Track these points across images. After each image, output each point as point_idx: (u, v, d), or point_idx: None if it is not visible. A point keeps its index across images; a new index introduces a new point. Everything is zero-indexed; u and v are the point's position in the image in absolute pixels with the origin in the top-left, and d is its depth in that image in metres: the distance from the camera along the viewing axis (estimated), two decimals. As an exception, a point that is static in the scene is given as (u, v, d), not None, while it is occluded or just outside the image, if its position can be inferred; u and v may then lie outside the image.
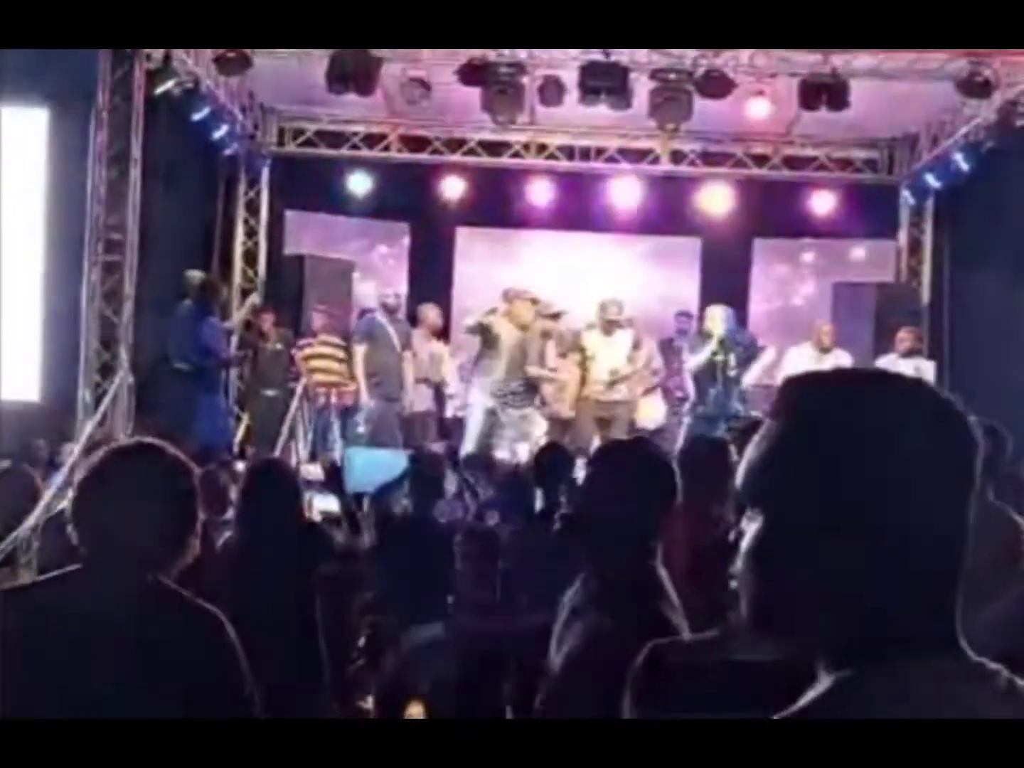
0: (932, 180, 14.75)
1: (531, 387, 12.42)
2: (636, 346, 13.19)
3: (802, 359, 13.46)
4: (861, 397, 1.52)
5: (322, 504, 9.90)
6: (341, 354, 13.69)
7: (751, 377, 12.60)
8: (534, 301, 12.52)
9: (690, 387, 12.83)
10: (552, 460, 7.38)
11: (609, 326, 13.07)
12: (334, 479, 7.15)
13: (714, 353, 12.52)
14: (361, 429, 13.08)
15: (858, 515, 1.46)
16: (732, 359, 12.47)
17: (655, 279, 16.20)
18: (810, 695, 1.50)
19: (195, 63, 12.26)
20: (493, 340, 12.29)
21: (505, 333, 12.25)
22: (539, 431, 12.34)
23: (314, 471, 11.46)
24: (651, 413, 13.20)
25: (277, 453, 12.05)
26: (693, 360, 12.90)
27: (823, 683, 1.49)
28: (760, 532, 1.52)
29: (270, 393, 13.56)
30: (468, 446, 11.77)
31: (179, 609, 2.89)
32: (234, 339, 13.23)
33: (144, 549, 2.90)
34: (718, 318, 12.78)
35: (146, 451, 3.12)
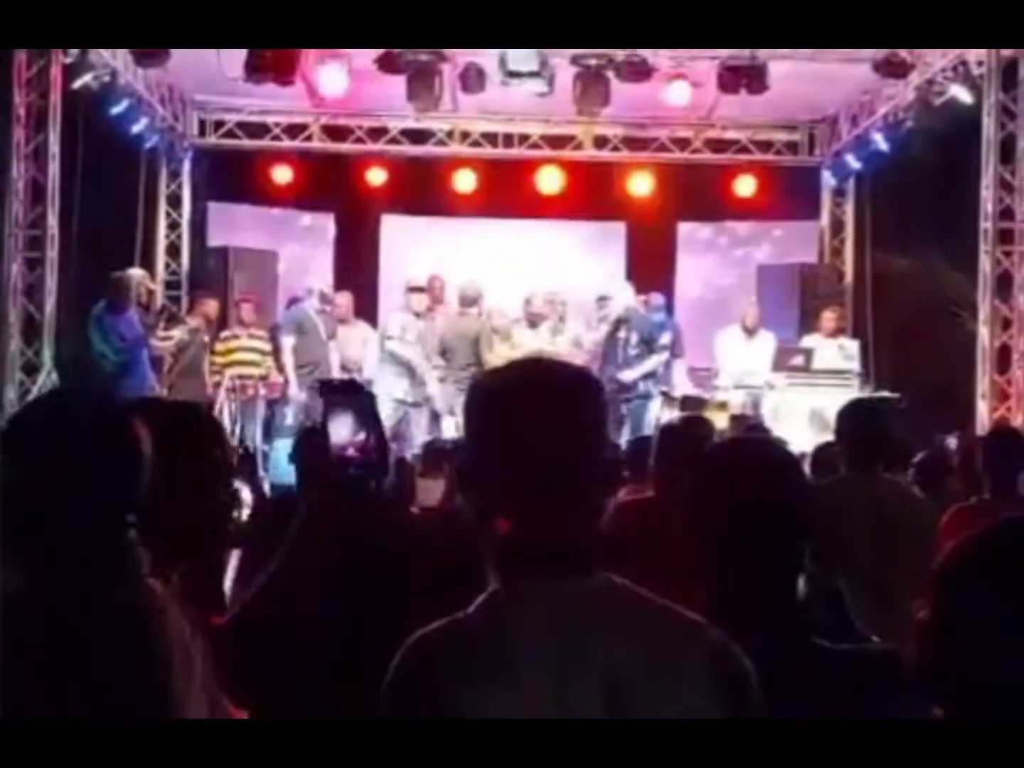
0: (852, 161, 14.92)
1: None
2: (555, 331, 13.27)
3: (731, 341, 13.62)
4: None
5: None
6: (267, 346, 13.61)
7: (628, 375, 12.54)
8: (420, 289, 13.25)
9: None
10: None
11: (534, 318, 13.15)
12: (246, 465, 7.07)
13: (613, 331, 12.59)
14: (290, 421, 13.03)
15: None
16: (633, 338, 12.50)
17: (581, 264, 16.22)
18: (472, 606, 1.87)
19: (112, 56, 12.11)
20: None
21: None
22: None
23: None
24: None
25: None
26: (591, 338, 13.01)
27: (481, 599, 1.87)
28: None
29: (195, 384, 13.47)
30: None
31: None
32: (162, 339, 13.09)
33: None
34: (618, 296, 12.86)
35: None
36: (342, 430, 2.69)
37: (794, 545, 2.46)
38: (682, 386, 13.04)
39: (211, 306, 13.89)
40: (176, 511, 2.43)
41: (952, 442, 10.01)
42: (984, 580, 1.71)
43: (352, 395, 2.79)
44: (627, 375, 12.39)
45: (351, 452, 2.66)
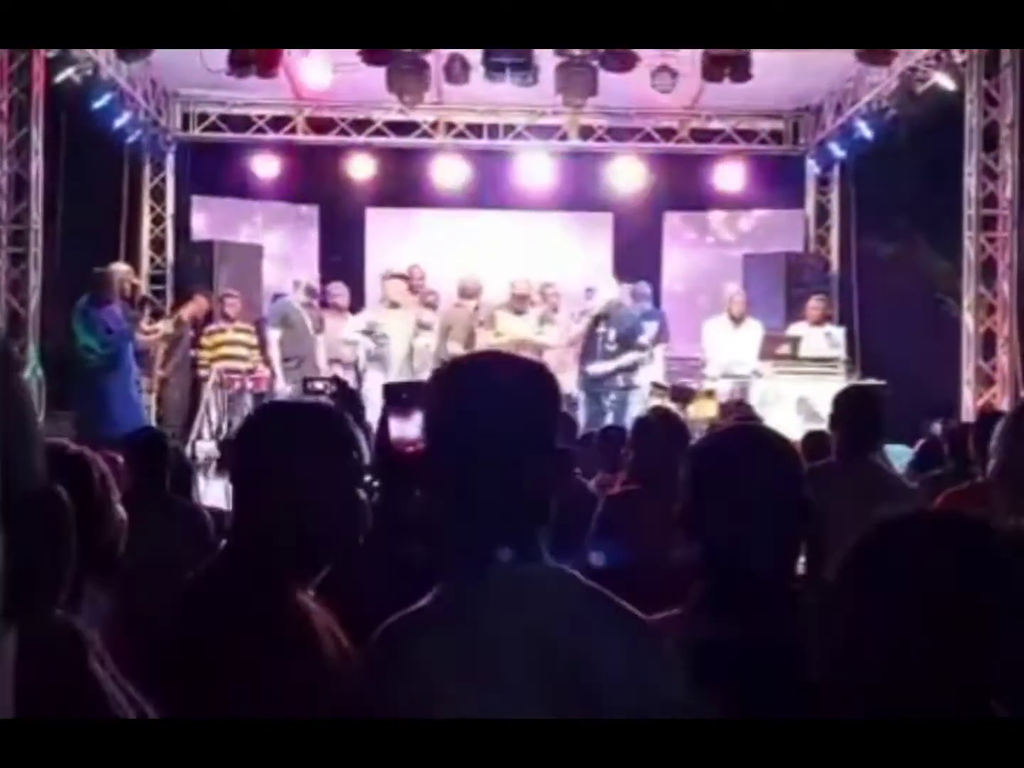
0: (836, 149, 14.93)
1: None
2: (543, 321, 13.28)
3: (717, 330, 13.64)
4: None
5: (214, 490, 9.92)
6: (254, 340, 13.60)
7: (597, 368, 12.55)
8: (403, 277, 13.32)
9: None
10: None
11: (518, 302, 13.12)
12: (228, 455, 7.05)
13: (593, 326, 12.60)
14: (276, 415, 12.99)
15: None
16: (612, 333, 12.51)
17: (568, 255, 16.22)
18: (426, 597, 1.93)
19: (94, 50, 12.06)
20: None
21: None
22: None
23: (208, 448, 11.46)
24: (568, 387, 13.22)
25: (192, 438, 12.03)
26: (573, 331, 13.06)
27: (437, 589, 1.93)
28: None
29: (179, 378, 13.54)
30: None
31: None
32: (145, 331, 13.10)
33: None
34: (601, 291, 12.89)
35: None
36: (409, 429, 2.82)
37: (792, 532, 2.47)
38: (658, 375, 13.05)
39: (201, 305, 13.90)
40: (326, 513, 2.47)
41: (938, 428, 10.05)
42: (872, 583, 1.79)
43: (417, 401, 2.94)
44: (595, 368, 12.40)
45: (411, 450, 2.80)
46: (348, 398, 7.04)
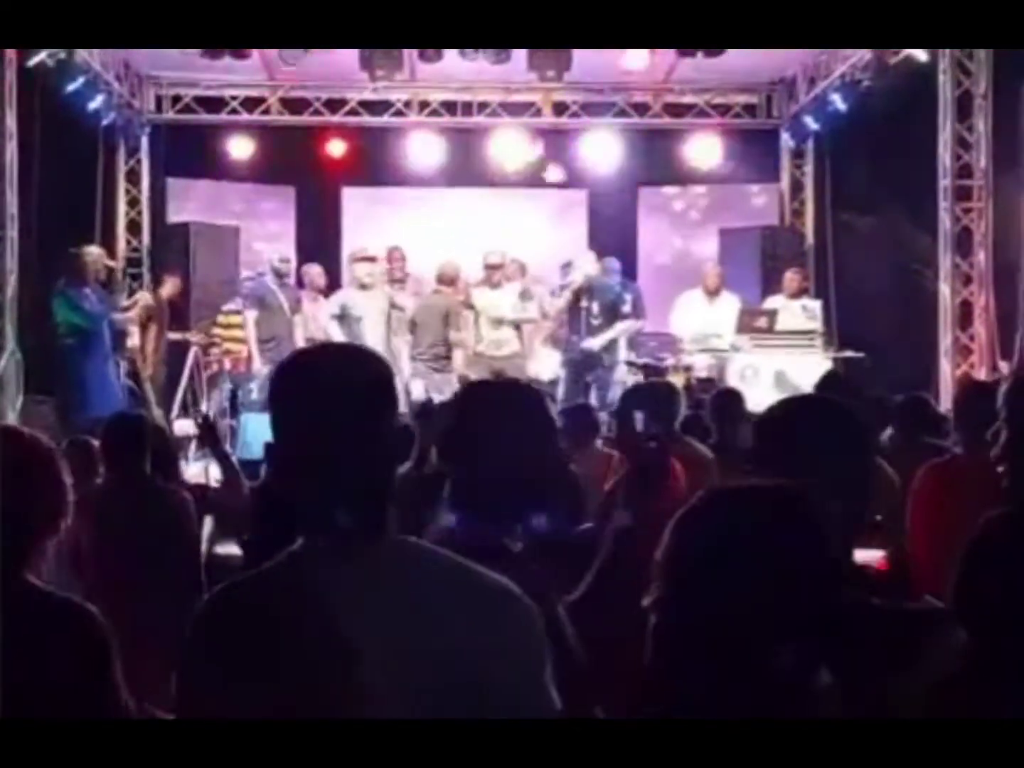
0: (811, 122, 14.92)
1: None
2: (524, 296, 13.26)
3: (693, 304, 13.65)
4: None
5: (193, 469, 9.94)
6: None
7: (593, 343, 12.62)
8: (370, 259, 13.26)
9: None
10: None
11: (493, 274, 13.09)
12: (207, 432, 7.03)
13: (576, 300, 12.62)
14: (255, 396, 13.01)
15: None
16: (595, 307, 12.54)
17: (543, 232, 16.23)
18: (275, 559, 2.03)
19: (67, 33, 11.99)
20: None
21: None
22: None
23: (186, 426, 11.47)
24: (547, 364, 13.25)
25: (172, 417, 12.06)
26: (554, 305, 13.08)
27: (289, 553, 2.04)
28: None
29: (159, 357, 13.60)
30: None
31: (45, 608, 2.73)
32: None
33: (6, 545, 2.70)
34: (580, 265, 12.91)
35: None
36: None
37: (861, 505, 2.61)
38: (631, 353, 13.08)
39: (176, 285, 13.92)
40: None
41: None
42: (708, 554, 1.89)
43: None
44: (591, 343, 12.45)
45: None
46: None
